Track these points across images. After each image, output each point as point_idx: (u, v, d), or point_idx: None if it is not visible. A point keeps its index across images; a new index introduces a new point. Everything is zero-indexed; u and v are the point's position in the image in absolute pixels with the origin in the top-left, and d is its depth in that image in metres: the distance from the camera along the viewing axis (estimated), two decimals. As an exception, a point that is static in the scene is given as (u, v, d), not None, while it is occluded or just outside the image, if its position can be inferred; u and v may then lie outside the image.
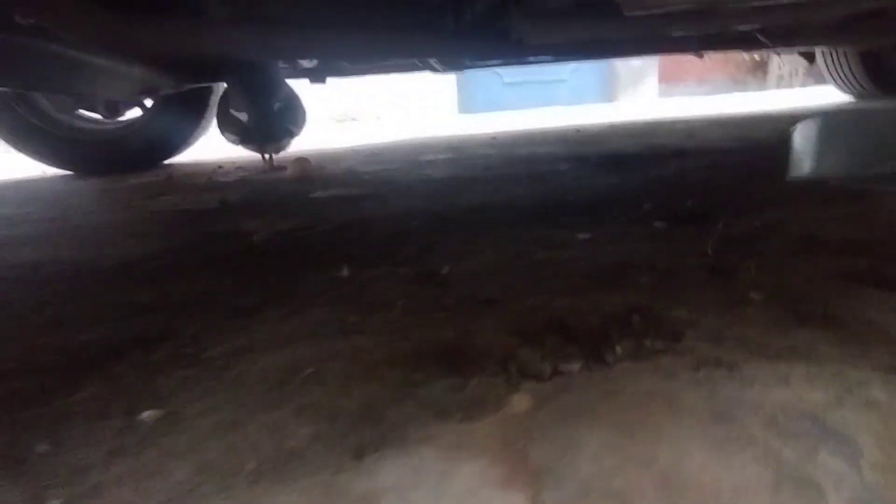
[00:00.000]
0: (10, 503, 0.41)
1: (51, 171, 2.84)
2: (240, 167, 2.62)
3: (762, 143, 2.09)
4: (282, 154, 2.24)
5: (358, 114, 4.75)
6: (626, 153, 2.11)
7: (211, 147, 3.10)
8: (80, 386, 0.59)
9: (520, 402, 0.47)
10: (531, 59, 2.10)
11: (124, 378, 0.60)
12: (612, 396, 0.47)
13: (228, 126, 1.69)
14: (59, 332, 0.75)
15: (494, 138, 3.00)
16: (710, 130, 2.57)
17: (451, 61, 1.80)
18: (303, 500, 0.37)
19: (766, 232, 0.96)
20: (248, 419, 0.49)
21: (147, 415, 0.51)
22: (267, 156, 2.08)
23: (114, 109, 2.47)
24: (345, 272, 0.90)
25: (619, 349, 0.59)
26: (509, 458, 0.39)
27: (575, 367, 0.55)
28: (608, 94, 6.10)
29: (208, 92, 2.67)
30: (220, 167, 2.69)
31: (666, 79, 6.36)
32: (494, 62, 2.31)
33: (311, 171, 2.10)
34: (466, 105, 5.59)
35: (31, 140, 2.58)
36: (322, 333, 0.67)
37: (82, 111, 2.59)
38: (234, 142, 1.80)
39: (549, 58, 2.14)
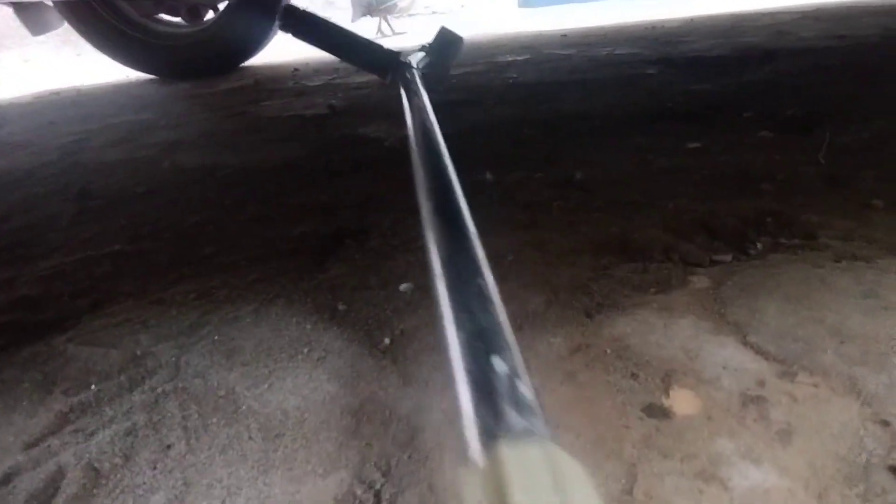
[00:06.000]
0: (343, 338, 0.60)
1: (134, 74, 2.97)
2: (316, 70, 2.69)
3: (865, 41, 2.02)
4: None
5: (415, 7, 4.61)
6: (714, 55, 2.08)
7: (277, 51, 3.13)
8: (327, 266, 0.76)
9: (699, 281, 0.61)
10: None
11: (357, 260, 0.77)
12: (774, 278, 0.61)
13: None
14: (274, 227, 0.92)
15: (565, 36, 2.94)
16: (804, 26, 2.46)
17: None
18: (566, 342, 0.54)
19: (877, 143, 1.03)
20: (485, 290, 0.65)
21: (403, 287, 0.68)
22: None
23: (195, 13, 2.53)
24: (488, 176, 1.03)
25: (759, 245, 0.72)
26: (710, 317, 0.54)
27: (727, 257, 0.69)
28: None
29: (280, -8, 2.67)
30: (296, 70, 2.76)
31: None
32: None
33: (397, 76, 2.17)
34: (527, -3, 5.29)
35: (117, 45, 2.68)
36: (501, 228, 0.82)
37: (164, 16, 2.66)
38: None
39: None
